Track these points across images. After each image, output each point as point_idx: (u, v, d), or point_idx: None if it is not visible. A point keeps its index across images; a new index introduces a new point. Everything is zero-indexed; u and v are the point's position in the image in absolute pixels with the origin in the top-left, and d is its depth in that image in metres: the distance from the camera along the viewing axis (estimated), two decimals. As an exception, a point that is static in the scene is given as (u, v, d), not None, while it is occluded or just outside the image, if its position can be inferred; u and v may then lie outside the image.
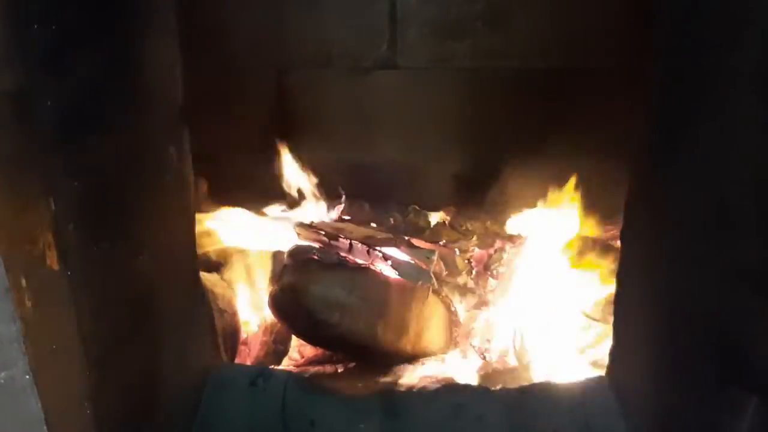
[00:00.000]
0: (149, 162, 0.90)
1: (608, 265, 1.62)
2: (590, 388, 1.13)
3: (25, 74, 0.59)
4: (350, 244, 1.54)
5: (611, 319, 1.18)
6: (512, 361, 1.49)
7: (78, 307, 0.70)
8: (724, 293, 0.85)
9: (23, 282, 0.60)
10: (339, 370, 1.44)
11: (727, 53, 0.81)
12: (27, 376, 0.63)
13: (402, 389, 1.28)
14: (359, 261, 1.53)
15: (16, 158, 0.59)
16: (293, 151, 1.85)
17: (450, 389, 1.16)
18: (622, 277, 1.14)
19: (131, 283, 0.85)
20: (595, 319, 1.53)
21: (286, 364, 1.49)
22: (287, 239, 1.59)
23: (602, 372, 1.22)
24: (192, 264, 1.16)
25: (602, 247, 1.72)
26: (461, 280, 1.61)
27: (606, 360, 1.21)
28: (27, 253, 0.62)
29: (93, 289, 0.73)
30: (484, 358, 1.50)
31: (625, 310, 1.14)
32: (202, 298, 1.22)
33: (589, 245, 1.73)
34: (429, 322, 1.48)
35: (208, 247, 1.57)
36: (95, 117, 0.73)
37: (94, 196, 0.73)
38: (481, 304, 1.60)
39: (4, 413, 0.64)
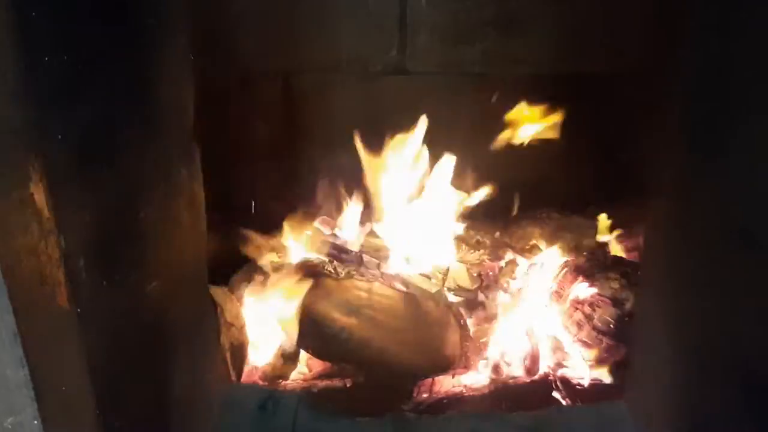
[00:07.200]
0: (161, 186, 0.88)
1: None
2: (607, 412, 1.11)
3: (37, 109, 0.57)
4: (360, 257, 1.52)
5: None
6: (524, 377, 1.47)
7: (87, 344, 0.67)
8: (748, 320, 0.82)
9: (32, 325, 0.58)
10: (348, 385, 1.42)
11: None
12: (35, 422, 0.60)
13: (413, 409, 1.26)
14: (369, 275, 1.50)
15: (27, 196, 0.56)
16: (302, 157, 1.82)
17: (464, 413, 1.13)
18: (641, 300, 1.12)
19: (141, 312, 0.83)
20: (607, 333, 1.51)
21: (294, 378, 1.46)
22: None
23: (619, 396, 1.19)
24: (202, 282, 1.13)
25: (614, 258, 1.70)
26: (471, 293, 1.58)
27: (623, 383, 1.19)
28: (37, 295, 0.60)
29: (103, 324, 0.71)
30: (495, 373, 1.47)
31: (643, 333, 1.11)
32: (210, 315, 1.19)
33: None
34: (439, 336, 1.46)
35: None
36: (107, 147, 0.70)
37: (104, 227, 0.71)
38: (492, 318, 1.57)
39: (12, 460, 0.62)
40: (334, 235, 1.63)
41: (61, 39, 0.60)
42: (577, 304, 1.55)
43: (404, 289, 1.49)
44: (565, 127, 1.79)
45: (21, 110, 0.56)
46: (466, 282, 1.58)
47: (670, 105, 1.00)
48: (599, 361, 1.46)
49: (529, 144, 1.82)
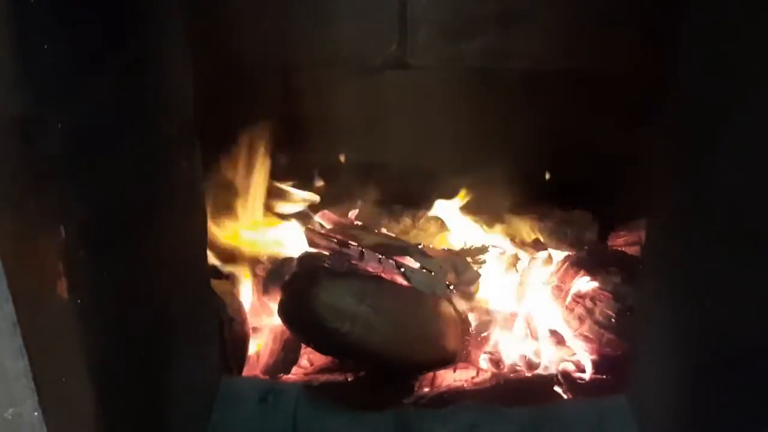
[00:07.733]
0: (161, 177, 0.87)
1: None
2: (608, 408, 1.10)
3: (35, 97, 0.56)
4: (361, 251, 1.51)
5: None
6: (525, 371, 1.47)
7: (88, 336, 0.67)
8: (749, 316, 0.82)
9: (32, 315, 0.57)
10: (349, 380, 1.42)
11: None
12: (35, 413, 0.60)
13: (415, 403, 1.26)
14: (370, 269, 1.50)
15: (25, 186, 0.56)
16: (301, 152, 1.82)
17: (465, 408, 1.13)
18: (642, 296, 1.11)
19: (142, 305, 0.82)
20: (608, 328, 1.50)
21: (295, 373, 1.46)
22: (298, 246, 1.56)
23: (620, 391, 1.19)
24: (204, 276, 1.13)
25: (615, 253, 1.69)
26: (473, 288, 1.57)
27: (623, 377, 1.19)
28: (36, 285, 0.59)
29: (103, 315, 0.70)
30: (497, 368, 1.47)
31: (644, 329, 1.11)
32: (212, 309, 1.19)
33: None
34: (441, 331, 1.46)
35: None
36: (106, 137, 0.70)
37: (105, 218, 0.70)
38: (494, 312, 1.57)
39: (12, 451, 0.61)
40: (335, 228, 1.63)
41: (61, 25, 0.60)
42: (578, 298, 1.55)
43: (405, 283, 1.49)
44: (564, 123, 1.79)
45: (19, 99, 0.55)
46: (467, 276, 1.58)
47: (672, 101, 1.00)
48: (600, 356, 1.46)
49: (527, 139, 1.82)
